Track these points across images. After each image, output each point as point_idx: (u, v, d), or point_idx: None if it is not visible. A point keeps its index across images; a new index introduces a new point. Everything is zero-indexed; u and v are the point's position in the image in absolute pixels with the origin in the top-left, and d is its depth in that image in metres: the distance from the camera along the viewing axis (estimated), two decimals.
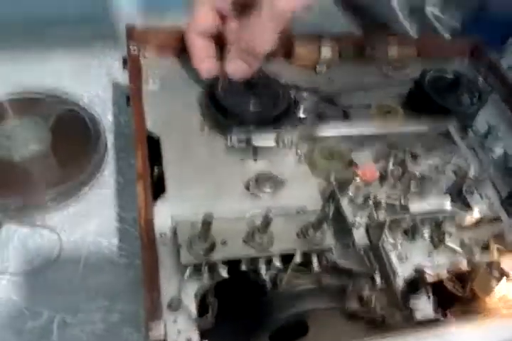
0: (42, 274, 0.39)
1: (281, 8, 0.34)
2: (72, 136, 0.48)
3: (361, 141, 0.41)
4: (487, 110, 0.47)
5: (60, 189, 0.43)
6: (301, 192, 0.36)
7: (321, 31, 0.50)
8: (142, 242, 0.30)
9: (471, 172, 0.36)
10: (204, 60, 0.39)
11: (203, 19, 0.38)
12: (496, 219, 0.36)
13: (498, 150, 0.44)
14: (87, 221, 0.43)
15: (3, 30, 0.57)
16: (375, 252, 0.32)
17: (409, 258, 0.31)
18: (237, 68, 0.38)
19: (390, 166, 0.34)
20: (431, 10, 0.83)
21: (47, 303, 0.37)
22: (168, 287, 0.28)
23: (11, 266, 0.39)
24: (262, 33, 0.35)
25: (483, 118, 0.47)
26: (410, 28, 0.73)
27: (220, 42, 0.40)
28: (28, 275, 0.39)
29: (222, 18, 0.38)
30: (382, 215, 0.32)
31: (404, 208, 0.31)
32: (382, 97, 0.45)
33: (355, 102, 0.45)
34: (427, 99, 0.44)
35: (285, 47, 0.47)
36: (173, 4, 0.66)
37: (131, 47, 0.40)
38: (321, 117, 0.43)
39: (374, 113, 0.42)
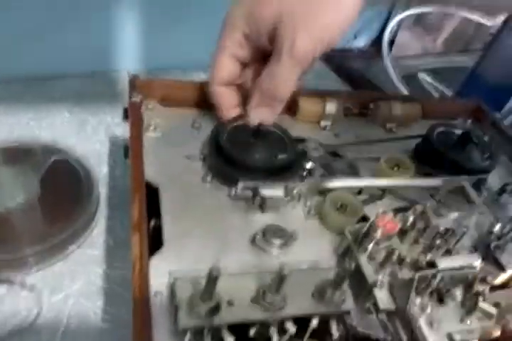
0: (17, 339, 0.34)
1: (301, 52, 0.34)
2: (63, 188, 0.45)
3: (372, 195, 0.39)
4: (496, 168, 0.46)
5: (43, 246, 0.39)
6: (312, 246, 0.32)
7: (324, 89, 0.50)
8: (134, 301, 0.26)
9: (496, 229, 0.33)
10: (230, 110, 0.39)
11: (226, 68, 0.37)
12: None
13: None
14: (71, 281, 0.39)
15: (4, 84, 0.57)
16: (401, 317, 0.28)
17: (440, 324, 0.27)
18: (261, 115, 0.37)
19: (411, 219, 0.31)
20: (423, 76, 0.87)
21: None
22: None
23: None
24: (284, 79, 0.35)
25: (493, 176, 0.45)
26: (406, 92, 0.75)
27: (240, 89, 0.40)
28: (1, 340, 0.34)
29: (243, 65, 0.38)
30: (406, 273, 0.28)
31: (432, 264, 0.28)
32: (388, 152, 0.44)
33: (361, 156, 0.43)
34: (437, 154, 0.42)
35: (290, 103, 0.46)
36: (173, 65, 0.68)
37: (133, 95, 0.39)
38: (327, 169, 0.41)
39: (383, 166, 0.40)
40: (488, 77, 0.72)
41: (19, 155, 0.46)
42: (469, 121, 0.55)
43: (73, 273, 0.39)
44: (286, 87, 0.36)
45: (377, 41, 0.89)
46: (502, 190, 0.43)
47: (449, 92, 0.84)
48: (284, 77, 0.35)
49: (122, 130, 0.56)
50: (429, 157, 0.43)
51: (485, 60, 0.74)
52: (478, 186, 0.43)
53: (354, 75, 0.81)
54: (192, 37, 0.65)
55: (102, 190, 0.47)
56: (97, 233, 0.43)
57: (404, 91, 0.77)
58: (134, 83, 0.40)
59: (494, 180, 0.45)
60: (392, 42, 0.88)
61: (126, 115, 0.40)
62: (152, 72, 0.65)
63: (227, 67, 0.37)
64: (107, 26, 0.60)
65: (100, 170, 0.50)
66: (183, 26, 0.65)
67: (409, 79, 0.87)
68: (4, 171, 0.44)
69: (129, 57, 0.65)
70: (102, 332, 0.36)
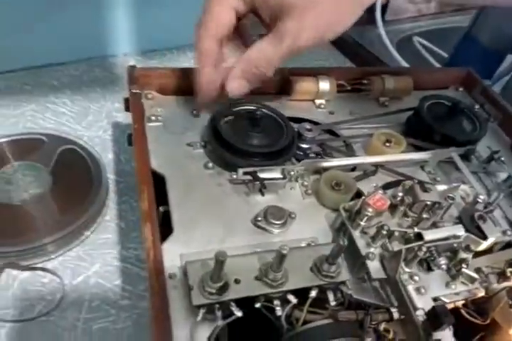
0: (44, 320, 0.38)
1: (304, 43, 0.34)
2: (73, 177, 0.47)
3: (365, 171, 0.41)
4: (486, 135, 0.47)
5: (60, 233, 0.42)
6: (311, 224, 0.35)
7: (316, 66, 0.51)
8: (151, 286, 0.28)
9: (480, 199, 0.36)
10: (207, 73, 0.37)
11: (223, 20, 0.35)
12: (510, 245, 0.36)
13: (502, 175, 0.44)
14: (89, 264, 0.42)
15: (3, 76, 0.58)
16: (392, 285, 0.31)
17: (428, 290, 0.30)
18: (239, 87, 0.37)
19: (400, 195, 0.33)
20: (418, 39, 0.86)
21: None
22: (179, 332, 0.27)
23: (12, 313, 0.37)
24: (276, 60, 0.36)
25: (483, 144, 0.47)
26: (401, 59, 0.75)
27: None
28: (29, 322, 0.37)
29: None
30: (396, 245, 0.31)
31: (419, 236, 0.30)
32: (382, 127, 0.45)
33: (356, 133, 0.45)
34: (427, 127, 0.44)
35: (284, 83, 0.48)
36: (166, 45, 0.68)
37: (132, 87, 0.41)
38: (323, 148, 0.43)
39: (375, 142, 0.42)
40: (482, 39, 0.73)
41: (27, 147, 0.48)
42: (460, 89, 0.56)
43: (90, 256, 0.42)
44: (274, 66, 0.36)
45: (370, 6, 0.87)
46: (490, 158, 0.45)
47: (444, 55, 0.84)
48: (277, 59, 0.35)
49: (123, 115, 0.57)
50: (419, 130, 0.45)
51: (478, 20, 0.73)
52: (467, 156, 0.45)
53: (349, 43, 0.81)
54: (182, 14, 0.65)
55: (110, 176, 0.50)
56: (109, 218, 0.46)
57: (398, 58, 0.77)
58: (132, 74, 0.42)
59: (484, 148, 0.47)
60: (386, 7, 0.87)
61: (127, 105, 0.42)
62: (147, 54, 0.66)
63: (226, 19, 0.35)
64: (99, 11, 0.60)
65: (106, 156, 0.52)
66: (173, 4, 0.64)
67: (405, 43, 0.87)
68: (15, 165, 0.46)
69: (123, 40, 0.65)
70: (121, 308, 0.39)
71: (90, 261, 0.42)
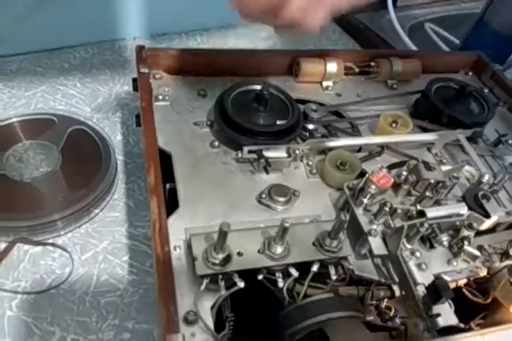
0: (53, 293, 0.39)
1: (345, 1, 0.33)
2: (82, 157, 0.48)
3: (371, 151, 0.41)
4: (494, 119, 0.47)
5: (69, 210, 0.43)
6: (314, 202, 0.35)
7: (325, 48, 0.51)
8: (156, 257, 0.29)
9: (485, 179, 0.36)
10: None
11: None
12: None
13: (510, 159, 0.44)
14: (98, 240, 0.43)
15: (15, 58, 0.59)
16: (393, 261, 0.31)
17: (429, 266, 0.31)
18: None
19: (404, 173, 0.33)
20: (430, 25, 0.85)
21: (58, 323, 0.37)
22: (183, 300, 0.28)
23: (23, 285, 0.39)
24: (316, 19, 0.34)
25: (491, 127, 0.47)
26: (412, 45, 0.75)
27: None
28: (39, 294, 0.38)
29: None
30: (398, 222, 0.31)
31: (421, 214, 0.31)
32: (389, 109, 0.45)
33: (363, 114, 0.45)
34: (434, 109, 0.44)
35: (292, 65, 0.48)
36: (175, 29, 0.69)
37: (141, 66, 0.41)
38: (329, 129, 0.43)
39: (382, 123, 0.42)
40: (494, 24, 0.71)
41: (39, 127, 0.49)
42: (470, 73, 0.56)
43: (99, 233, 0.43)
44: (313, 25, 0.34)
45: None
46: (497, 142, 0.45)
47: (456, 41, 0.83)
48: (318, 17, 0.33)
49: (132, 97, 0.58)
50: (427, 112, 0.45)
51: (491, 6, 0.72)
52: (474, 138, 0.45)
53: (360, 28, 0.80)
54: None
55: (118, 157, 0.50)
56: (118, 196, 0.47)
57: (409, 44, 0.76)
58: (140, 54, 0.42)
59: (492, 132, 0.47)
60: None
61: (135, 85, 0.42)
62: (156, 38, 0.67)
63: None
64: None
65: (115, 138, 0.52)
66: None
67: (416, 29, 0.86)
68: (27, 144, 0.47)
69: (133, 24, 0.65)
70: (128, 283, 0.40)
71: (99, 238, 0.43)
